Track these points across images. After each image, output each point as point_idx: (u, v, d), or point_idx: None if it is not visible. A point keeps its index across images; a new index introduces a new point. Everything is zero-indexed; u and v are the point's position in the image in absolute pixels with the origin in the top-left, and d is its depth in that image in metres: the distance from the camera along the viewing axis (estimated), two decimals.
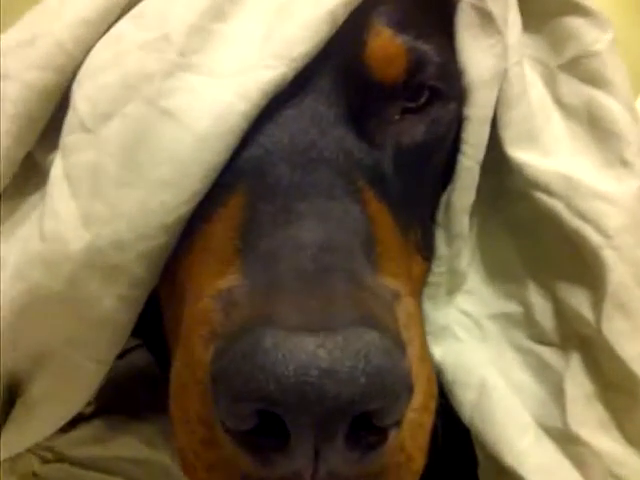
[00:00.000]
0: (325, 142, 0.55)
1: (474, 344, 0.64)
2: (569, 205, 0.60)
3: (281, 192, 0.51)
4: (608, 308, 0.59)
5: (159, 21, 0.57)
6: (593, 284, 0.60)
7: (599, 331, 0.59)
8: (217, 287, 0.47)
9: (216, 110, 0.52)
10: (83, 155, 0.54)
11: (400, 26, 0.59)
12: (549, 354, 0.63)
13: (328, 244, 0.47)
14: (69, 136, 0.56)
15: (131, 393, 0.72)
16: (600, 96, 0.64)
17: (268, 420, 0.40)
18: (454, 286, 0.65)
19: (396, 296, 0.48)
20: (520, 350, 0.64)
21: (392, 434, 0.43)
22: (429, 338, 0.59)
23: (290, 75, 0.54)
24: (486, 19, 0.62)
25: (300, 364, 0.39)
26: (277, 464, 0.41)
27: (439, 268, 0.64)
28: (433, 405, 0.50)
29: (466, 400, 0.61)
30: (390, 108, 0.60)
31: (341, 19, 0.56)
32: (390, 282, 0.49)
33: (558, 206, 0.61)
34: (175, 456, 0.58)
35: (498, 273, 0.66)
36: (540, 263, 0.64)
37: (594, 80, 0.64)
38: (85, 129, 0.55)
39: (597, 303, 0.60)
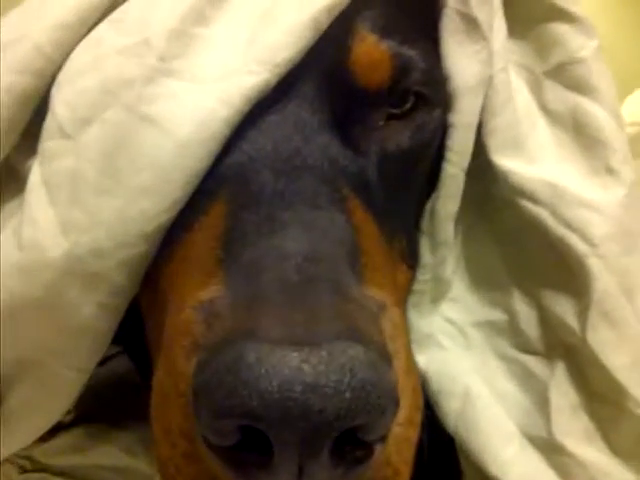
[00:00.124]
0: (309, 149, 0.54)
1: (458, 352, 0.63)
2: (554, 213, 0.60)
3: (265, 200, 0.50)
4: (593, 317, 0.58)
5: (139, 25, 0.56)
6: (578, 292, 0.60)
7: (584, 340, 0.59)
8: (199, 298, 0.46)
9: (198, 116, 0.52)
10: (62, 161, 0.54)
11: (385, 32, 0.59)
12: (534, 363, 0.62)
13: (313, 254, 0.46)
14: (48, 142, 0.55)
15: (111, 401, 0.71)
16: (586, 103, 0.63)
17: (251, 435, 0.39)
18: (439, 294, 0.64)
19: (381, 307, 0.48)
20: (504, 359, 0.64)
21: (378, 449, 0.42)
22: (413, 346, 0.58)
23: (273, 81, 0.53)
24: (471, 25, 0.62)
25: (284, 379, 0.38)
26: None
27: (424, 276, 0.63)
28: (419, 418, 0.49)
29: (450, 409, 0.61)
30: (375, 114, 0.59)
31: (325, 25, 0.55)
32: (375, 293, 0.48)
33: (543, 214, 0.60)
34: (155, 465, 0.58)
35: (483, 281, 0.65)
36: (525, 271, 0.64)
37: (579, 87, 0.64)
38: (64, 135, 0.54)
39: (582, 312, 0.59)
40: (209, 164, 0.52)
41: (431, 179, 0.63)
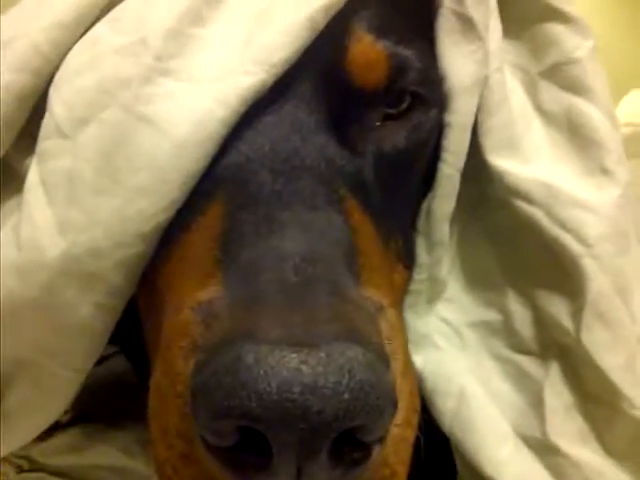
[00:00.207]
0: (306, 149, 0.54)
1: (454, 353, 0.64)
2: (549, 213, 0.60)
3: (263, 201, 0.51)
4: (588, 317, 0.59)
5: (136, 25, 0.56)
6: (573, 293, 0.60)
7: (578, 340, 0.59)
8: (197, 298, 0.46)
9: (194, 116, 0.52)
10: (59, 161, 0.54)
11: (381, 31, 0.59)
12: (528, 363, 0.63)
13: (311, 255, 0.47)
14: (45, 141, 0.55)
15: (108, 401, 0.71)
16: (580, 103, 0.64)
17: (249, 436, 0.39)
18: (434, 294, 0.65)
19: (379, 308, 0.48)
20: (499, 359, 0.64)
21: (376, 450, 0.42)
22: (410, 347, 0.59)
23: (270, 81, 0.53)
24: (467, 25, 0.62)
25: (282, 380, 0.38)
26: None
27: (419, 276, 0.63)
28: (416, 419, 0.49)
29: (446, 409, 0.61)
30: (371, 114, 0.60)
31: (321, 25, 0.55)
32: (373, 294, 0.48)
33: (538, 214, 0.61)
34: (153, 465, 0.58)
35: (478, 281, 0.66)
36: (520, 271, 0.64)
37: (574, 87, 0.64)
38: (62, 134, 0.54)
39: (576, 312, 0.59)
40: (206, 164, 0.52)
41: (427, 179, 0.63)
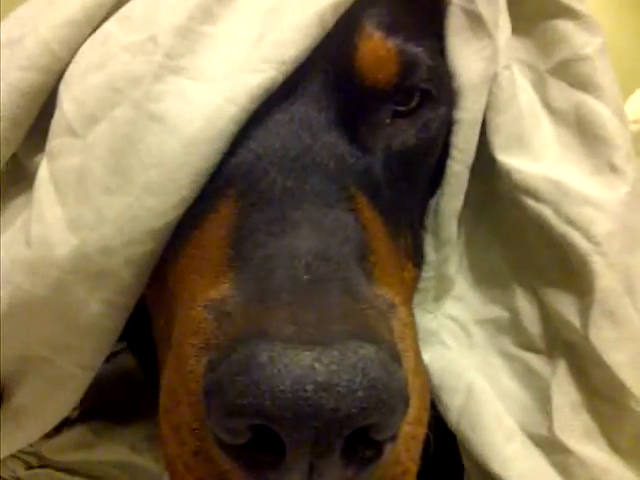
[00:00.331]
0: (317, 147, 0.54)
1: (461, 350, 0.64)
2: (557, 211, 0.60)
3: (274, 199, 0.51)
4: (595, 315, 0.59)
5: (146, 23, 0.56)
6: (580, 290, 0.60)
7: (586, 338, 0.59)
8: (209, 296, 0.46)
9: (204, 114, 0.52)
10: (70, 159, 0.54)
11: (391, 29, 0.59)
12: (536, 361, 0.63)
13: (323, 254, 0.47)
14: (56, 139, 0.55)
15: (116, 397, 0.71)
16: (589, 101, 0.63)
17: (262, 434, 0.39)
18: (442, 292, 0.65)
19: (391, 306, 0.48)
20: (507, 356, 0.64)
21: (388, 448, 0.42)
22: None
23: (280, 79, 0.53)
24: (476, 22, 0.62)
25: (296, 379, 0.38)
26: (271, 479, 0.41)
27: (427, 273, 0.64)
28: (426, 417, 0.50)
29: (453, 405, 0.61)
30: (381, 112, 0.60)
31: (331, 22, 0.55)
32: (385, 292, 0.48)
33: (546, 211, 0.61)
34: (160, 461, 0.58)
35: (486, 279, 0.66)
36: (527, 269, 0.64)
37: (583, 84, 0.64)
38: (72, 132, 0.54)
39: (584, 310, 0.59)
40: (216, 162, 0.52)
41: (435, 176, 0.63)
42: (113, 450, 0.70)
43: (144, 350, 0.68)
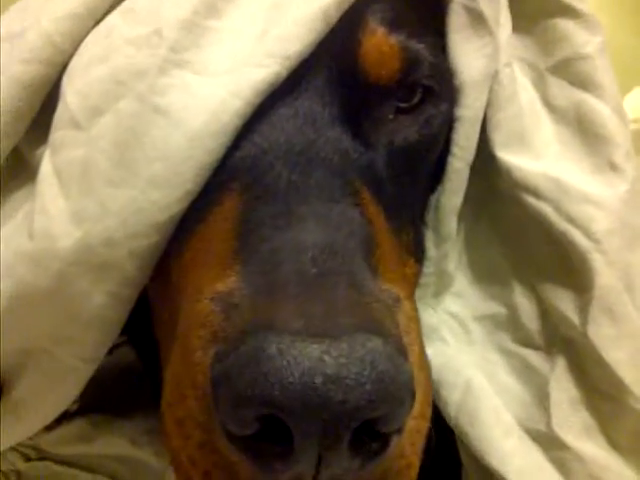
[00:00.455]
0: (321, 142, 0.54)
1: (460, 346, 0.64)
2: (557, 208, 0.60)
3: (280, 193, 0.51)
4: (594, 312, 0.59)
5: (150, 16, 0.56)
6: (580, 287, 0.60)
7: (585, 335, 0.59)
8: (216, 289, 0.46)
9: (209, 108, 0.52)
10: (73, 151, 0.54)
11: (394, 25, 0.59)
12: (534, 357, 0.63)
13: (329, 247, 0.47)
14: (59, 131, 0.55)
15: (116, 391, 0.71)
16: (590, 99, 0.64)
17: (270, 426, 0.39)
18: (441, 288, 0.65)
19: (396, 300, 0.48)
20: (505, 353, 0.64)
21: (394, 441, 0.43)
22: None
23: (284, 74, 0.54)
24: (478, 20, 0.62)
25: (305, 371, 0.38)
26: (279, 470, 0.41)
27: (427, 269, 0.64)
28: (429, 412, 0.50)
29: (452, 400, 0.61)
30: (384, 107, 0.60)
31: (335, 18, 0.56)
32: (390, 286, 0.49)
33: (546, 209, 0.61)
34: (160, 455, 0.58)
35: (485, 275, 0.66)
36: (527, 266, 0.64)
37: (584, 83, 0.64)
38: (76, 125, 0.54)
39: (583, 307, 0.60)
40: (220, 156, 0.52)
41: (436, 173, 0.64)
42: (113, 443, 0.70)
43: (144, 344, 0.68)
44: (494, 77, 0.63)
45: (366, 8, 0.59)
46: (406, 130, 0.61)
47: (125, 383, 0.72)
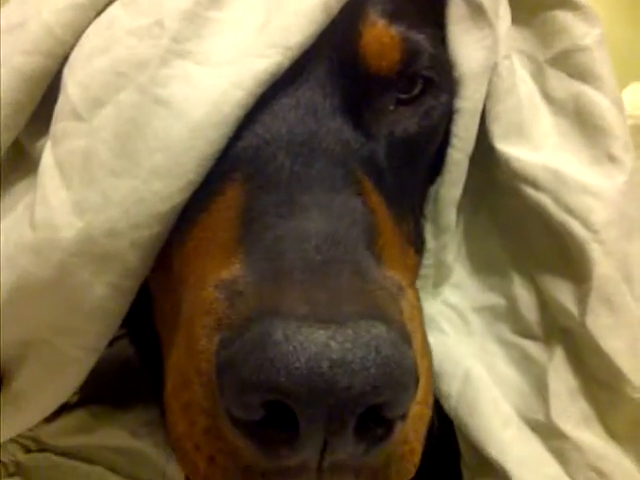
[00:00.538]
0: (323, 132, 0.54)
1: (459, 337, 0.64)
2: (556, 199, 0.61)
3: (283, 183, 0.51)
4: (593, 302, 0.59)
5: (152, 7, 0.56)
6: (578, 278, 0.61)
7: (583, 325, 0.60)
8: (220, 277, 0.46)
9: (210, 98, 0.52)
10: (75, 142, 0.54)
11: (394, 16, 0.59)
12: (533, 348, 0.64)
13: (333, 236, 0.47)
14: (60, 123, 0.55)
15: (115, 383, 0.71)
16: (588, 91, 0.64)
17: (275, 412, 0.40)
18: (440, 279, 0.66)
19: (400, 288, 0.48)
20: (504, 343, 0.65)
21: (398, 426, 0.43)
22: None
23: (285, 64, 0.54)
24: (477, 12, 0.63)
25: (311, 356, 0.39)
26: (284, 456, 0.41)
27: (427, 261, 0.64)
28: (432, 399, 0.50)
29: (451, 391, 0.62)
30: (384, 99, 0.60)
31: (336, 9, 0.56)
32: (393, 273, 0.49)
33: (545, 200, 0.61)
34: (160, 446, 0.58)
35: (484, 266, 0.66)
36: (525, 257, 0.65)
37: (582, 75, 0.65)
38: (77, 116, 0.54)
39: (582, 297, 0.60)
40: (221, 147, 0.52)
41: (435, 164, 0.64)
42: (112, 435, 0.70)
43: (143, 337, 0.68)
44: (493, 69, 0.63)
45: (366, 0, 0.59)
46: (406, 121, 0.61)
47: (125, 375, 0.72)
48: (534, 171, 0.62)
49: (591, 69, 0.64)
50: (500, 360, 0.65)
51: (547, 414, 0.61)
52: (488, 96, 0.63)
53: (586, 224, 0.60)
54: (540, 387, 0.62)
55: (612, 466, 0.60)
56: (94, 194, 0.52)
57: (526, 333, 0.64)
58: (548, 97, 0.66)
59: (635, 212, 0.62)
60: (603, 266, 0.59)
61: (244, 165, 0.53)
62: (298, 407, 0.39)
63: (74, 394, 0.67)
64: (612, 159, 0.62)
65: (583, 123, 0.64)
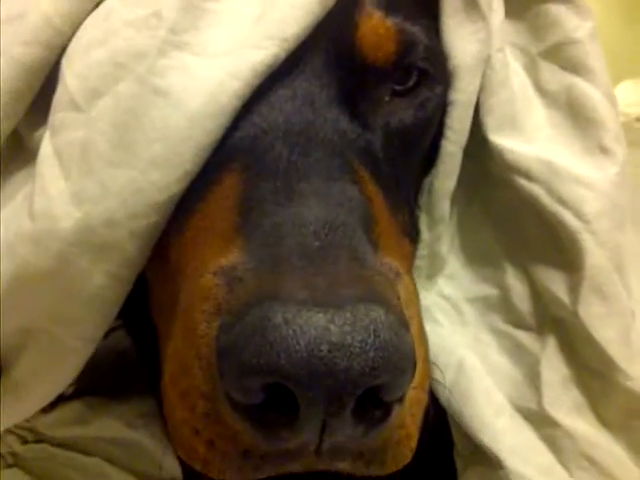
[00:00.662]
0: (320, 123, 0.55)
1: (453, 327, 0.65)
2: (549, 190, 0.62)
3: (280, 171, 0.51)
4: (585, 291, 0.60)
5: None
6: (571, 268, 0.61)
7: (575, 314, 0.61)
8: (219, 264, 0.46)
9: (207, 89, 0.52)
10: (73, 133, 0.54)
11: (390, 8, 0.60)
12: (525, 337, 0.64)
13: (330, 222, 0.48)
14: (59, 113, 0.55)
15: (111, 374, 0.71)
16: (580, 83, 0.65)
17: (275, 396, 0.40)
18: (434, 270, 0.66)
19: (397, 274, 0.49)
20: (497, 333, 0.65)
21: (395, 409, 0.44)
22: None
23: (282, 56, 0.54)
24: (471, 5, 0.63)
25: (311, 339, 0.39)
26: (283, 438, 0.42)
27: (421, 252, 0.65)
28: (428, 384, 0.51)
29: (444, 380, 0.62)
30: (380, 90, 0.61)
31: (331, 1, 0.56)
32: (390, 260, 0.49)
33: (538, 191, 0.62)
34: (155, 437, 0.58)
35: (477, 257, 0.67)
36: (518, 247, 0.65)
37: (575, 67, 0.65)
38: (75, 107, 0.54)
39: (574, 287, 0.61)
40: (219, 137, 0.53)
41: (429, 156, 0.65)
42: (108, 426, 0.71)
43: (139, 328, 0.68)
44: (487, 62, 0.64)
45: None
46: (402, 112, 0.61)
47: (121, 366, 0.72)
48: (527, 163, 0.62)
49: (583, 62, 0.65)
50: (493, 350, 0.65)
51: (540, 403, 0.62)
52: (482, 89, 0.64)
53: (578, 214, 0.61)
54: (533, 376, 0.63)
55: (604, 454, 0.61)
56: (92, 184, 0.52)
57: (519, 323, 0.65)
58: (541, 90, 0.67)
59: (627, 203, 0.63)
60: (595, 256, 0.60)
61: (241, 155, 0.53)
62: (298, 390, 0.39)
63: (70, 385, 0.67)
64: (604, 150, 0.63)
65: (575, 115, 0.65)
